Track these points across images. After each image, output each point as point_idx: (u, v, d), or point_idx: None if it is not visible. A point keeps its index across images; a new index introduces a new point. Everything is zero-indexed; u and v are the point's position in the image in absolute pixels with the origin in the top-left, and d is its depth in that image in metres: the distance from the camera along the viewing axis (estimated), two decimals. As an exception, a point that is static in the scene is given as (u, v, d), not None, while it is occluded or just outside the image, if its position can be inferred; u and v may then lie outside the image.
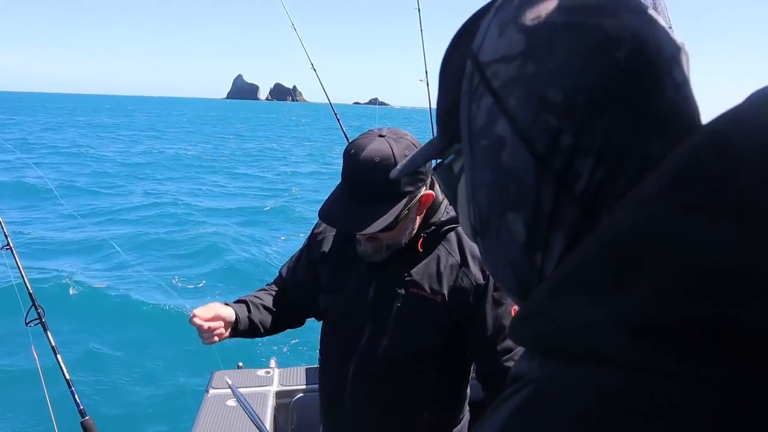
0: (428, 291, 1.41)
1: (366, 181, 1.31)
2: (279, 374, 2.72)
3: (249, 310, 1.60)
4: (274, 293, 1.71)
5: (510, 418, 0.38)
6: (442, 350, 1.46)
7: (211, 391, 2.55)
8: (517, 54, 0.43)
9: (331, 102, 3.50)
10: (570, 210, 0.42)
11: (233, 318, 1.53)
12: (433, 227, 1.45)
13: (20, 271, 2.55)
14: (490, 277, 1.42)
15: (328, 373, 1.58)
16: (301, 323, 1.76)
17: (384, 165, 1.28)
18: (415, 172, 1.32)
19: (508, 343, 1.42)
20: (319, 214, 1.38)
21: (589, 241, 0.38)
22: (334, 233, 1.59)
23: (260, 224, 11.81)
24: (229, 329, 1.53)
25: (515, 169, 0.44)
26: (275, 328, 1.69)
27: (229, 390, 2.56)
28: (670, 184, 0.35)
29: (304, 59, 3.46)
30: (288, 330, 1.78)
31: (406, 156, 1.29)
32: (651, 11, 0.43)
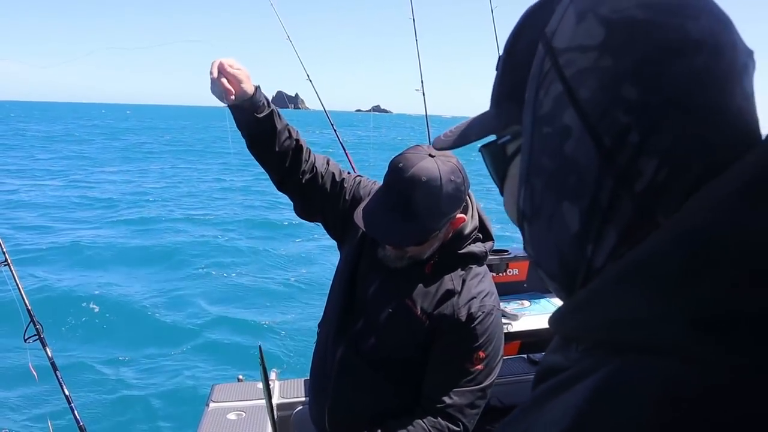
0: (418, 309, 1.45)
1: (409, 197, 1.33)
2: (279, 386, 2.71)
3: (263, 111, 1.50)
4: (297, 142, 1.58)
5: (585, 407, 0.37)
6: (420, 365, 1.48)
7: (212, 405, 2.54)
8: (595, 45, 0.43)
9: (333, 109, 3.54)
10: (627, 207, 0.42)
11: (250, 93, 1.45)
12: (448, 255, 1.46)
13: (18, 288, 2.54)
14: (475, 320, 1.42)
15: (319, 346, 1.64)
16: (280, 186, 1.63)
17: (431, 185, 1.32)
18: (457, 198, 1.36)
19: (461, 382, 1.41)
20: (356, 215, 1.41)
21: (658, 236, 0.38)
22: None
23: (263, 236, 11.80)
24: (239, 99, 1.45)
25: (578, 159, 0.44)
26: (261, 153, 1.56)
27: (229, 403, 2.55)
28: (748, 184, 0.35)
29: (302, 67, 3.49)
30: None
31: (452, 181, 1.34)
32: (727, 15, 0.43)
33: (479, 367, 1.42)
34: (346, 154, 3.61)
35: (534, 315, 2.61)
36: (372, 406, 1.51)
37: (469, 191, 1.46)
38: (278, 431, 2.51)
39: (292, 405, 2.58)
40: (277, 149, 1.54)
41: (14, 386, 4.92)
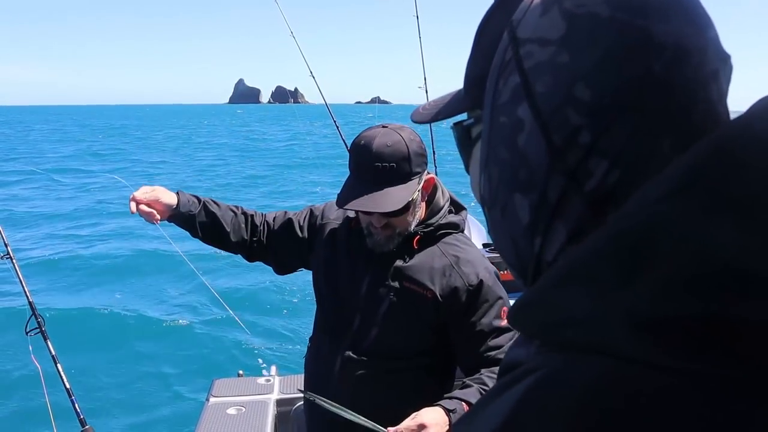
0: (419, 287, 1.49)
1: (383, 165, 1.41)
2: (279, 382, 2.72)
3: (195, 208, 1.64)
4: (245, 215, 1.72)
5: (516, 405, 0.37)
6: (428, 348, 1.53)
7: (212, 400, 2.54)
8: (555, 39, 0.42)
9: (334, 101, 3.54)
10: (577, 205, 0.42)
11: (173, 204, 1.61)
12: (431, 228, 1.53)
13: (20, 280, 2.55)
14: (483, 280, 1.51)
15: (319, 355, 1.62)
16: (250, 258, 1.76)
17: (396, 149, 1.42)
18: (421, 154, 1.46)
19: (497, 340, 1.49)
20: (338, 203, 1.45)
21: (596, 236, 0.38)
22: (333, 220, 1.67)
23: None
24: (167, 214, 1.61)
25: (529, 154, 0.43)
26: (219, 241, 1.70)
27: (229, 398, 2.55)
28: (678, 185, 0.35)
29: (305, 63, 3.48)
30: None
31: (413, 140, 1.45)
32: (706, 17, 0.42)
33: (505, 321, 1.51)
34: (347, 148, 3.60)
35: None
36: (382, 401, 1.50)
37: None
38: (279, 426, 2.53)
39: (293, 400, 2.59)
40: (228, 230, 1.67)
41: (15, 379, 4.93)
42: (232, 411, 2.45)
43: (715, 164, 0.35)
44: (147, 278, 8.28)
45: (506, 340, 1.50)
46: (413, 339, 1.52)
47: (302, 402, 2.57)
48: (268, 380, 2.73)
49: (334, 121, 3.51)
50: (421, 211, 1.53)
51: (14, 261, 2.56)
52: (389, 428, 1.36)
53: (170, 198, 1.60)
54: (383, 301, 1.50)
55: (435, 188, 1.57)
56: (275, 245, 1.72)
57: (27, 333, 2.40)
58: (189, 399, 4.84)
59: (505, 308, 1.53)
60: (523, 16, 0.45)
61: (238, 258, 1.80)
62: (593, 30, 0.41)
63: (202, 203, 1.66)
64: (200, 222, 1.64)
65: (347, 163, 1.50)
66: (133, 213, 1.57)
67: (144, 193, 1.57)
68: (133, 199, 1.56)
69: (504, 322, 1.51)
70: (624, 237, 0.36)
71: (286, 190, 18.08)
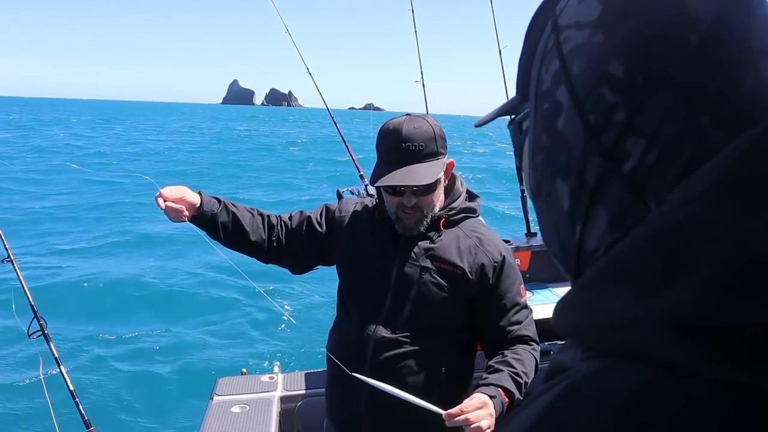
0: (450, 264, 1.59)
1: (413, 145, 1.53)
2: (283, 379, 2.72)
3: (217, 208, 1.68)
4: (261, 216, 1.77)
5: (544, 411, 0.36)
6: (459, 325, 1.62)
7: (216, 398, 2.55)
8: (590, 22, 0.42)
9: (328, 107, 3.52)
10: (617, 188, 0.41)
11: (197, 203, 1.64)
12: (453, 210, 1.65)
13: (21, 283, 2.55)
14: (505, 257, 1.63)
15: (347, 337, 1.66)
16: (267, 258, 1.80)
17: (424, 130, 1.55)
18: (443, 138, 1.58)
19: (518, 316, 1.62)
20: (372, 181, 1.55)
21: (637, 232, 0.36)
22: (354, 212, 1.74)
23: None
24: (192, 213, 1.65)
25: (567, 136, 0.44)
26: (238, 242, 1.74)
27: (233, 396, 2.56)
28: (722, 181, 0.33)
29: (300, 65, 3.49)
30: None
31: (436, 125, 1.58)
32: None
33: (524, 298, 1.66)
34: (348, 149, 3.60)
35: (537, 305, 2.60)
36: (416, 379, 1.57)
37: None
38: (283, 423, 2.53)
39: (296, 398, 2.59)
40: (248, 229, 1.71)
41: (18, 382, 4.94)
42: (236, 409, 2.45)
43: (762, 159, 0.33)
44: (148, 280, 8.27)
45: (524, 316, 1.64)
46: (444, 316, 1.60)
47: (306, 399, 2.58)
48: (272, 378, 2.73)
49: (334, 122, 3.50)
50: (443, 194, 1.64)
51: (15, 264, 2.56)
52: (447, 410, 1.40)
53: (194, 197, 1.64)
54: (414, 281, 1.58)
55: (453, 176, 1.70)
56: (293, 243, 1.77)
57: (29, 336, 2.40)
58: (193, 398, 4.85)
59: (522, 286, 1.66)
60: (565, 5, 0.46)
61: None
62: (626, 9, 0.41)
63: (222, 203, 1.70)
64: (222, 222, 1.68)
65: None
66: (161, 209, 1.59)
67: (170, 191, 1.61)
68: (160, 196, 1.59)
69: (523, 299, 1.64)
70: (664, 236, 0.34)
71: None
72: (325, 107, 3.58)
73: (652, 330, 0.33)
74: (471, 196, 1.74)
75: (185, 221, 1.64)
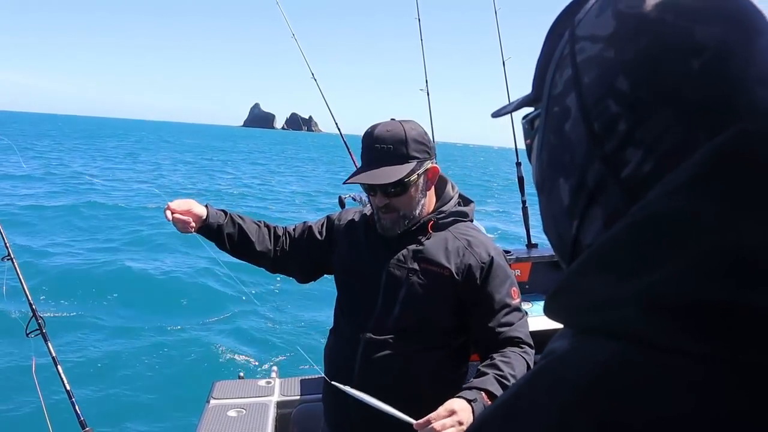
0: (437, 266, 1.61)
1: (381, 146, 1.57)
2: (280, 384, 2.71)
3: (223, 220, 1.75)
4: (267, 228, 1.84)
5: (531, 377, 0.40)
6: (447, 326, 1.63)
7: (212, 402, 2.54)
8: (604, 36, 0.46)
9: (348, 132, 3.57)
10: (614, 192, 0.45)
11: (203, 215, 1.72)
12: (443, 214, 1.67)
13: (21, 282, 2.55)
14: (494, 257, 1.63)
15: (340, 338, 1.71)
16: (273, 269, 1.87)
17: (394, 133, 1.58)
18: (421, 142, 1.60)
19: (509, 317, 1.60)
20: (345, 182, 1.61)
21: (620, 223, 0.40)
22: (351, 220, 1.80)
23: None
24: (198, 225, 1.72)
25: (572, 140, 0.47)
26: (245, 252, 1.80)
27: (230, 400, 2.55)
28: (698, 176, 0.37)
29: (306, 65, 3.48)
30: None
31: (413, 128, 1.61)
32: (762, 25, 0.44)
33: (517, 299, 1.64)
34: (352, 157, 3.61)
35: (536, 316, 2.61)
36: (403, 380, 1.58)
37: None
38: (279, 428, 2.52)
39: (293, 403, 2.59)
40: (254, 240, 1.78)
41: (15, 381, 4.93)
42: (232, 413, 2.44)
43: (735, 156, 0.36)
44: (148, 281, 8.27)
45: (516, 318, 1.62)
46: (433, 318, 1.61)
47: (303, 404, 2.58)
48: (269, 382, 2.73)
49: (347, 148, 3.49)
50: (427, 199, 1.66)
51: (15, 262, 2.56)
52: (418, 420, 1.39)
53: (201, 209, 1.72)
54: (403, 282, 1.61)
55: (444, 180, 1.72)
56: (297, 252, 1.82)
57: (27, 335, 2.40)
58: (189, 401, 4.83)
59: (514, 288, 1.65)
60: (583, 17, 0.49)
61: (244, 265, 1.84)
62: (638, 28, 0.44)
63: (228, 215, 1.77)
64: (228, 233, 1.75)
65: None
66: (168, 221, 1.67)
67: (178, 204, 1.69)
68: (168, 209, 1.67)
69: (515, 301, 1.63)
70: (645, 223, 0.38)
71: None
72: (345, 134, 3.57)
73: (631, 309, 0.36)
74: (465, 201, 1.76)
75: (192, 232, 1.71)
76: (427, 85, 3.80)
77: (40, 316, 2.43)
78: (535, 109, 0.57)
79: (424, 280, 1.60)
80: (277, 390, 2.66)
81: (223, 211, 1.78)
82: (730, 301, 0.33)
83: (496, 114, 0.66)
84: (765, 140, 0.36)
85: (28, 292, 2.53)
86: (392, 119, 1.65)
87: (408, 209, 1.62)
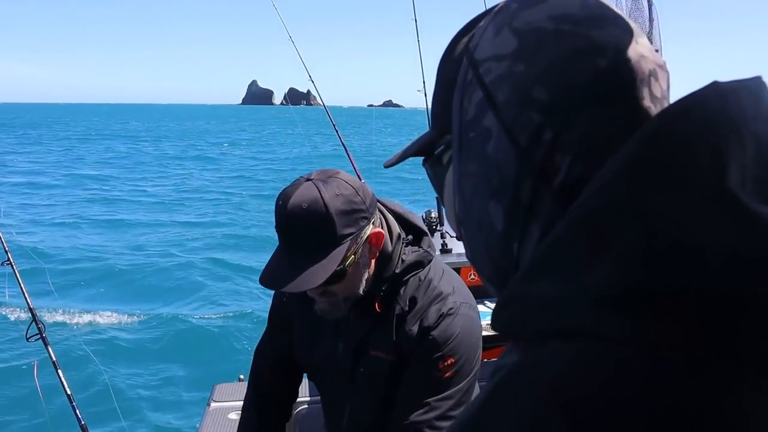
0: (385, 353, 1.32)
1: (297, 232, 1.20)
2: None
3: None
4: (256, 411, 1.65)
5: (488, 396, 0.40)
6: None
7: (213, 405, 2.54)
8: (509, 53, 0.46)
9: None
10: (547, 202, 0.45)
11: None
12: (387, 282, 1.32)
13: (21, 287, 2.55)
14: (436, 326, 1.29)
15: (328, 425, 1.58)
16: (294, 394, 1.71)
17: (312, 211, 1.17)
18: (352, 211, 1.21)
19: (426, 414, 1.26)
20: (259, 280, 1.25)
21: (558, 225, 0.40)
22: (300, 304, 1.45)
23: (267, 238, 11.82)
24: None
25: (499, 160, 0.46)
26: (282, 420, 1.69)
27: (230, 403, 2.54)
28: (624, 169, 0.38)
29: (318, 65, 3.54)
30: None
31: (338, 195, 1.19)
32: (636, 29, 0.46)
33: (449, 374, 1.27)
34: (349, 157, 3.62)
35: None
36: None
37: (379, 200, 1.34)
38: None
39: (294, 405, 2.58)
40: (274, 415, 1.67)
41: (15, 385, 4.92)
42: (233, 416, 2.44)
43: (657, 145, 0.37)
44: (149, 283, 8.27)
45: (435, 406, 1.26)
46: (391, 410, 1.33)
47: (304, 406, 2.57)
48: (270, 385, 2.72)
49: (334, 127, 3.52)
50: (370, 269, 1.30)
51: (14, 267, 2.56)
52: None
53: None
54: (358, 372, 1.36)
55: (385, 250, 1.32)
56: (286, 371, 1.61)
57: (27, 339, 2.40)
58: (190, 404, 4.83)
59: (449, 359, 1.27)
60: (479, 42, 0.49)
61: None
62: (541, 40, 0.45)
63: None
64: None
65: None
66: None
67: None
68: None
69: (445, 375, 1.27)
70: (583, 220, 0.38)
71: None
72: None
73: (582, 306, 0.37)
74: (415, 234, 1.38)
75: None
76: (424, 86, 3.82)
77: (40, 321, 2.43)
78: (440, 146, 0.56)
79: (377, 370, 1.33)
80: (278, 392, 2.65)
81: None
82: (672, 287, 0.34)
83: (389, 164, 0.64)
84: (686, 128, 0.37)
85: (28, 297, 2.53)
86: (308, 179, 1.23)
87: (349, 292, 1.28)
